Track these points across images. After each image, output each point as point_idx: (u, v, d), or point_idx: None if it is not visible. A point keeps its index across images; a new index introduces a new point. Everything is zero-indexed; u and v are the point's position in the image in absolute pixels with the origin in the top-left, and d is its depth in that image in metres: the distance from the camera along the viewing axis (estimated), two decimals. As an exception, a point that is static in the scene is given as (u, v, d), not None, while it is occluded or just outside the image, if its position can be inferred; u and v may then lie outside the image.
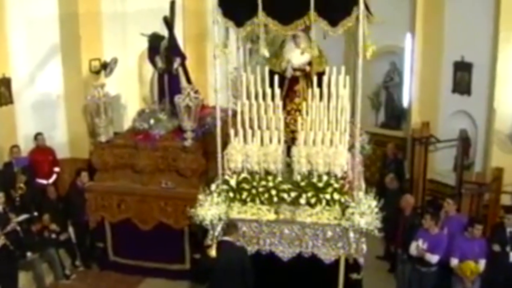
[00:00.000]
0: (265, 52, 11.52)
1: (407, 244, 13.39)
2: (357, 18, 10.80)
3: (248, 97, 11.95)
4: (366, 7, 11.11)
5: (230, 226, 11.51)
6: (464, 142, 16.55)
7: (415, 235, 13.26)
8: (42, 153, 17.18)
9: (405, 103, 18.92)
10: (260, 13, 10.97)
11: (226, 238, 11.38)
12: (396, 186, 16.03)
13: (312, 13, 10.75)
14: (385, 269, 15.60)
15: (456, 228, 13.51)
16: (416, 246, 13.12)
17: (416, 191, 17.18)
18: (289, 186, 11.40)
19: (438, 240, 13.05)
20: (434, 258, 12.98)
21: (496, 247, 13.39)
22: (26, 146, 17.11)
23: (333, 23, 10.92)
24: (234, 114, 12.14)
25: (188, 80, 15.89)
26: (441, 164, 17.64)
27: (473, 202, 15.86)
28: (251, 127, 11.74)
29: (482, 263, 12.88)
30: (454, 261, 12.93)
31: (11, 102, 16.93)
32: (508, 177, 15.47)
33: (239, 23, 11.46)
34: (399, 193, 15.62)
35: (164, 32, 15.82)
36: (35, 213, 15.42)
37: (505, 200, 15.49)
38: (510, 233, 13.47)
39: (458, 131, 16.66)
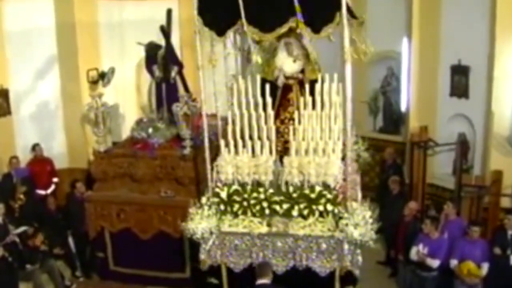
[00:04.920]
0: (258, 59, 11.08)
1: (407, 249, 13.10)
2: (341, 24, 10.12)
3: (239, 107, 11.36)
4: (350, 11, 10.41)
5: (263, 266, 10.65)
6: (463, 146, 16.12)
7: (416, 240, 12.97)
8: (40, 163, 17.02)
9: (403, 108, 18.48)
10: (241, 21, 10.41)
11: (262, 281, 10.48)
12: (397, 191, 15.61)
13: (294, 20, 10.14)
14: (386, 274, 15.16)
15: (457, 231, 13.21)
16: (417, 251, 12.84)
17: (415, 195, 16.73)
18: (281, 197, 10.75)
19: (439, 244, 12.82)
20: (435, 263, 12.74)
21: (497, 250, 12.96)
22: (24, 156, 16.93)
23: (316, 30, 10.29)
24: (226, 123, 11.64)
25: (186, 89, 15.56)
26: (440, 168, 17.16)
27: (473, 205, 15.46)
28: (242, 137, 11.14)
29: (484, 267, 12.53)
30: (454, 262, 12.64)
31: (9, 113, 16.87)
32: (507, 179, 15.00)
33: (220, 32, 10.90)
34: (399, 198, 15.33)
35: (161, 41, 15.40)
36: (35, 225, 14.96)
37: (505, 202, 15.04)
38: (511, 236, 13.06)
39: (456, 134, 16.31)
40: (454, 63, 16.03)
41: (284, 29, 10.38)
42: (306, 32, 10.34)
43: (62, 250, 15.21)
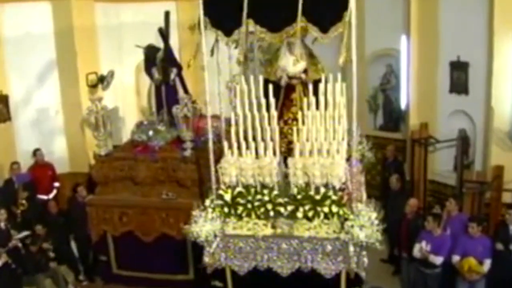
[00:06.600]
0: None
1: (411, 247, 13.00)
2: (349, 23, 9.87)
3: (242, 108, 11.08)
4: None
5: None
6: (464, 142, 15.99)
7: (418, 237, 12.86)
8: (42, 168, 16.89)
9: (403, 105, 18.35)
10: (246, 21, 10.28)
11: None
12: (398, 188, 15.53)
13: (302, 20, 9.94)
14: (389, 272, 15.15)
15: (459, 228, 13.07)
16: (420, 248, 12.73)
17: (417, 192, 16.68)
18: (286, 199, 10.50)
19: (442, 241, 12.72)
20: (438, 260, 12.64)
21: (499, 246, 12.84)
22: (25, 162, 16.79)
23: (324, 29, 10.05)
24: (229, 124, 11.39)
25: (185, 90, 15.28)
26: (441, 165, 17.01)
27: (475, 201, 15.30)
28: (245, 138, 10.88)
29: (487, 263, 12.40)
30: (456, 258, 12.55)
31: (9, 118, 16.78)
32: (508, 174, 14.85)
33: (227, 32, 10.68)
34: (401, 194, 15.23)
35: (160, 44, 15.20)
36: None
37: (506, 197, 14.85)
38: (513, 231, 12.94)
39: (457, 131, 16.12)
40: (453, 59, 15.87)
41: (293, 29, 10.13)
42: (314, 32, 10.10)
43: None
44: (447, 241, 12.75)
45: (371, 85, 18.90)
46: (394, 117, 18.90)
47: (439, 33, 16.20)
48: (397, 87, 18.53)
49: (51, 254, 14.62)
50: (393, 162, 16.94)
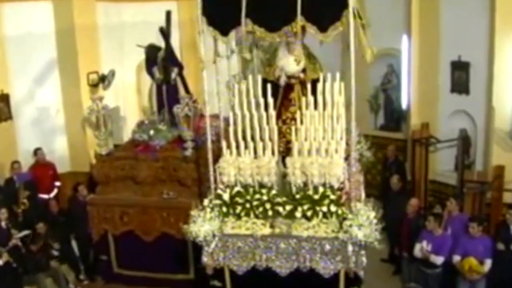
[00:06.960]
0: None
1: (412, 246, 13.01)
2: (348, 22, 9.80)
3: (241, 107, 11.03)
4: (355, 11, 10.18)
5: None
6: (464, 142, 15.99)
7: (419, 237, 12.85)
8: (43, 168, 16.85)
9: (404, 105, 18.32)
10: (245, 20, 10.14)
11: None
12: (399, 188, 15.47)
13: (300, 19, 9.81)
14: (390, 271, 15.07)
15: (460, 227, 13.03)
16: (421, 248, 12.73)
17: (418, 192, 16.62)
18: (284, 199, 10.43)
19: (443, 241, 12.73)
20: (439, 260, 12.66)
21: (500, 246, 12.81)
22: (26, 161, 16.74)
23: (323, 28, 9.90)
24: (228, 123, 11.34)
25: (186, 90, 15.26)
26: (442, 165, 17.03)
27: (476, 201, 15.28)
28: (244, 138, 10.84)
29: (487, 263, 12.37)
30: (456, 258, 12.52)
31: (10, 117, 16.74)
32: (509, 174, 14.85)
33: (224, 32, 10.55)
34: (402, 194, 15.18)
35: (161, 43, 15.14)
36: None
37: (507, 198, 14.83)
38: (514, 231, 12.88)
39: (458, 130, 16.11)
40: (454, 59, 15.88)
41: (294, 28, 10.03)
42: (313, 31, 10.02)
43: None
44: (448, 241, 12.73)
45: (372, 85, 18.89)
46: (395, 117, 18.89)
47: (440, 33, 16.20)
48: (398, 87, 18.51)
49: (55, 253, 14.68)
50: (394, 162, 16.90)
